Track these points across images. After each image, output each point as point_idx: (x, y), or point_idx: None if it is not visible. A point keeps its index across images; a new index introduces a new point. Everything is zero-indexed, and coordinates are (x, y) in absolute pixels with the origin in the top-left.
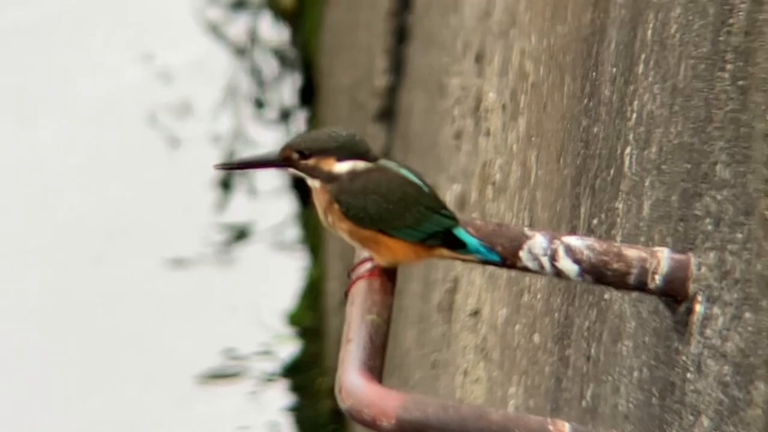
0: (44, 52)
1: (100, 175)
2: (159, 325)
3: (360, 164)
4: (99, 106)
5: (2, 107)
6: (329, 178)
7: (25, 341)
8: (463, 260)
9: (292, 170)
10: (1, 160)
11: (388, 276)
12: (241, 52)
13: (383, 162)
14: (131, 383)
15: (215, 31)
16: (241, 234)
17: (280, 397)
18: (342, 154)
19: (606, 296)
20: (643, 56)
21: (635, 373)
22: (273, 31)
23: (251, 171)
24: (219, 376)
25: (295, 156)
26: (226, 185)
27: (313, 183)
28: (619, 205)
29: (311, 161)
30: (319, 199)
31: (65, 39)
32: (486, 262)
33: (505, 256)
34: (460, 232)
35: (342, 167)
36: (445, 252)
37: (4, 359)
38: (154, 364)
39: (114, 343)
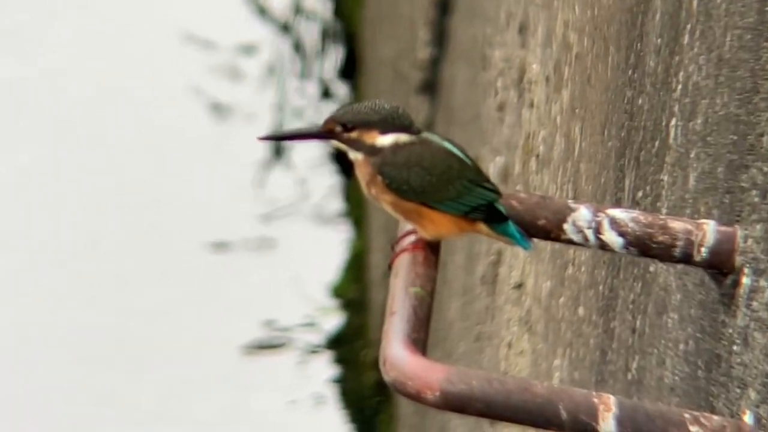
0: (81, 27)
1: (144, 152)
2: (205, 299)
3: (403, 137)
4: (142, 82)
5: (46, 75)
6: (372, 150)
7: (74, 314)
8: (497, 239)
9: (335, 143)
10: (46, 136)
11: (431, 249)
12: (284, 25)
13: (426, 135)
14: (178, 357)
15: (258, 5)
16: (284, 211)
17: (325, 369)
18: (385, 127)
19: (651, 269)
20: (688, 27)
21: (681, 346)
22: (316, 4)
23: (295, 143)
24: (264, 346)
25: (338, 128)
26: (272, 158)
27: (356, 156)
28: (664, 177)
29: (354, 134)
30: (362, 172)
31: (103, 13)
32: (518, 244)
33: (549, 229)
34: (502, 207)
35: (385, 140)
36: (483, 228)
37: (50, 333)
38: (200, 337)
39: (160, 317)
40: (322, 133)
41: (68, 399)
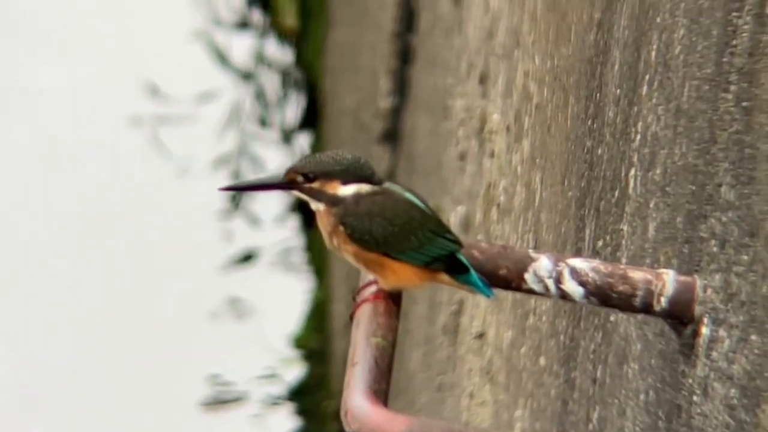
0: (39, 75)
1: (103, 203)
2: (162, 350)
3: (365, 187)
4: (102, 132)
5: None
6: (334, 201)
7: (25, 374)
8: (459, 288)
9: (296, 193)
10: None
11: (393, 299)
12: (246, 74)
13: (388, 185)
14: (137, 411)
15: (219, 54)
16: (246, 257)
17: (286, 420)
18: (347, 177)
19: (611, 318)
20: (647, 77)
21: (641, 396)
22: (278, 53)
23: (256, 193)
24: (221, 401)
25: (300, 179)
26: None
27: (318, 206)
28: (624, 227)
29: (316, 184)
30: (324, 223)
31: (67, 61)
32: (481, 293)
33: (510, 279)
34: (463, 257)
35: (347, 190)
36: (445, 278)
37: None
38: (157, 390)
39: (117, 370)
40: (284, 184)
41: None
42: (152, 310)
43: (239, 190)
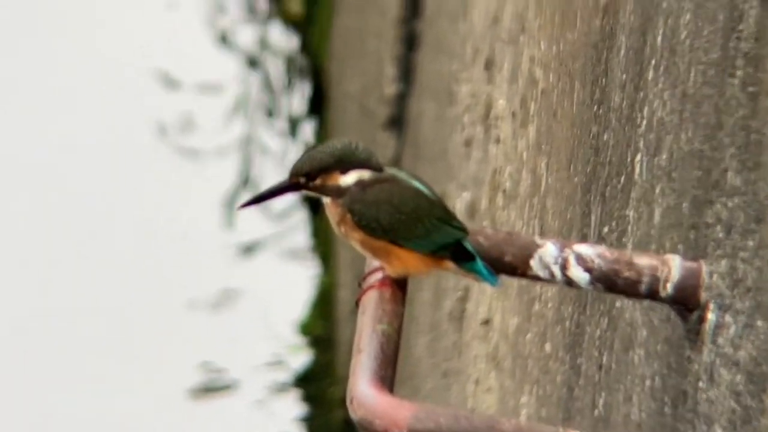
0: (50, 67)
1: (109, 188)
2: (168, 336)
3: (365, 173)
4: (107, 118)
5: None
6: (338, 192)
7: (20, 371)
8: (465, 276)
9: (306, 192)
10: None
11: (398, 285)
12: (251, 60)
13: (394, 172)
14: (139, 397)
15: (225, 41)
16: (253, 244)
17: (292, 407)
18: (344, 166)
19: (617, 304)
20: (653, 62)
21: (647, 382)
22: (283, 39)
23: (273, 200)
24: (211, 389)
25: (302, 180)
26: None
27: (326, 199)
28: (630, 213)
29: (318, 181)
30: (332, 213)
31: (72, 50)
32: (486, 281)
33: (516, 265)
34: (469, 245)
35: (348, 179)
36: (451, 265)
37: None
38: (161, 377)
39: (121, 352)
40: (291, 186)
41: None
42: (157, 297)
43: (257, 203)
